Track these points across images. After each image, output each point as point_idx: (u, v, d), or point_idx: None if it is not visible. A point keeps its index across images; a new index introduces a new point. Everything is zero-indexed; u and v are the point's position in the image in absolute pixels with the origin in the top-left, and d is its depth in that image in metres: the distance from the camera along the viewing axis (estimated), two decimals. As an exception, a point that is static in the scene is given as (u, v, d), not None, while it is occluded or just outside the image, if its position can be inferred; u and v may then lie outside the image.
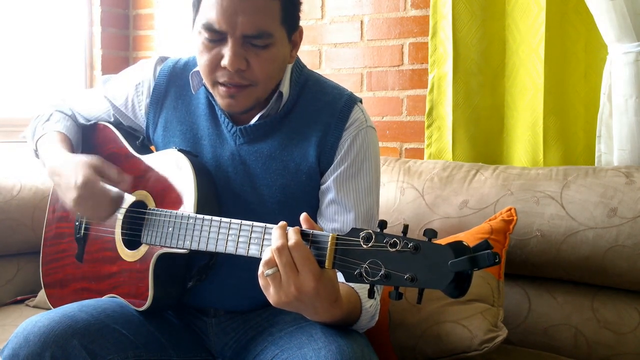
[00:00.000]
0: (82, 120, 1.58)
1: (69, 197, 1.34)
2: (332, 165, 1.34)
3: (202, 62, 1.29)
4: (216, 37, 1.25)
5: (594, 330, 1.65)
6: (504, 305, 1.63)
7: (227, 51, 1.25)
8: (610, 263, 1.62)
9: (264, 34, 1.24)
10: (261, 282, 1.09)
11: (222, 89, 1.29)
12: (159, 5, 2.82)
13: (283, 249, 1.05)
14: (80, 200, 1.32)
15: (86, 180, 1.31)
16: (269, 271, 1.06)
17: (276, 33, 1.26)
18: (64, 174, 1.36)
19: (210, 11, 1.24)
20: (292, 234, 1.06)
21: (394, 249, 0.97)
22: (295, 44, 1.35)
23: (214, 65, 1.27)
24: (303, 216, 1.09)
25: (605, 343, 1.64)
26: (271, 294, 1.08)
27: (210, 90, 1.34)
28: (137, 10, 2.89)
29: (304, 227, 1.09)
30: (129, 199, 1.41)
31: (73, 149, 1.50)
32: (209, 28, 1.25)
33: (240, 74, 1.26)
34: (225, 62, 1.25)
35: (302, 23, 1.36)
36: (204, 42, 1.27)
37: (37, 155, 1.54)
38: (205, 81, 1.33)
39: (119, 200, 1.36)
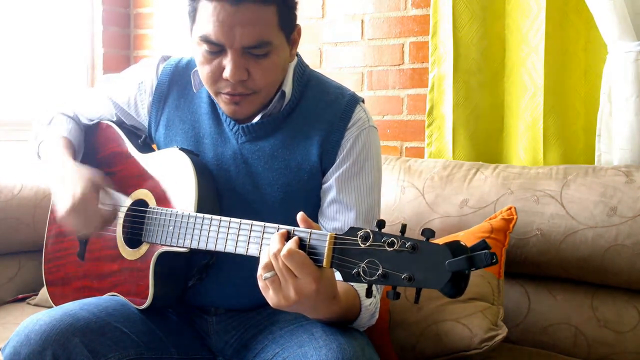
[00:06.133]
0: (85, 121, 1.58)
1: (62, 206, 1.34)
2: (334, 165, 1.34)
3: (203, 73, 1.30)
4: (215, 49, 1.25)
5: (593, 329, 1.66)
6: (504, 304, 1.63)
7: (227, 63, 1.25)
8: (609, 262, 1.62)
9: (263, 43, 1.24)
10: (260, 284, 1.09)
11: (225, 97, 1.30)
12: (159, 4, 2.82)
13: (280, 254, 1.05)
14: (73, 212, 1.32)
15: (84, 195, 1.32)
16: (268, 275, 1.06)
17: (275, 40, 1.26)
18: (64, 182, 1.36)
19: (207, 24, 1.23)
20: (289, 242, 1.06)
21: (391, 249, 0.97)
22: (294, 43, 1.35)
23: (216, 76, 1.28)
24: (300, 216, 1.09)
25: (604, 342, 1.64)
26: (271, 297, 1.08)
27: (214, 98, 1.35)
28: (137, 9, 2.90)
29: (301, 226, 1.08)
30: (127, 200, 1.42)
31: (75, 153, 1.50)
32: (207, 41, 1.24)
33: (242, 84, 1.27)
34: (226, 74, 1.25)
35: (302, 22, 1.36)
36: (203, 54, 1.27)
37: (39, 157, 1.54)
38: (209, 90, 1.34)
39: (109, 221, 1.38)
